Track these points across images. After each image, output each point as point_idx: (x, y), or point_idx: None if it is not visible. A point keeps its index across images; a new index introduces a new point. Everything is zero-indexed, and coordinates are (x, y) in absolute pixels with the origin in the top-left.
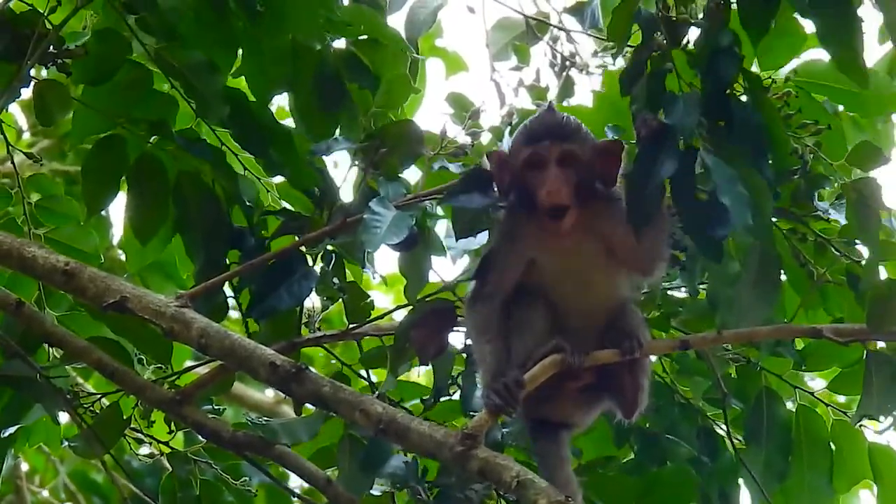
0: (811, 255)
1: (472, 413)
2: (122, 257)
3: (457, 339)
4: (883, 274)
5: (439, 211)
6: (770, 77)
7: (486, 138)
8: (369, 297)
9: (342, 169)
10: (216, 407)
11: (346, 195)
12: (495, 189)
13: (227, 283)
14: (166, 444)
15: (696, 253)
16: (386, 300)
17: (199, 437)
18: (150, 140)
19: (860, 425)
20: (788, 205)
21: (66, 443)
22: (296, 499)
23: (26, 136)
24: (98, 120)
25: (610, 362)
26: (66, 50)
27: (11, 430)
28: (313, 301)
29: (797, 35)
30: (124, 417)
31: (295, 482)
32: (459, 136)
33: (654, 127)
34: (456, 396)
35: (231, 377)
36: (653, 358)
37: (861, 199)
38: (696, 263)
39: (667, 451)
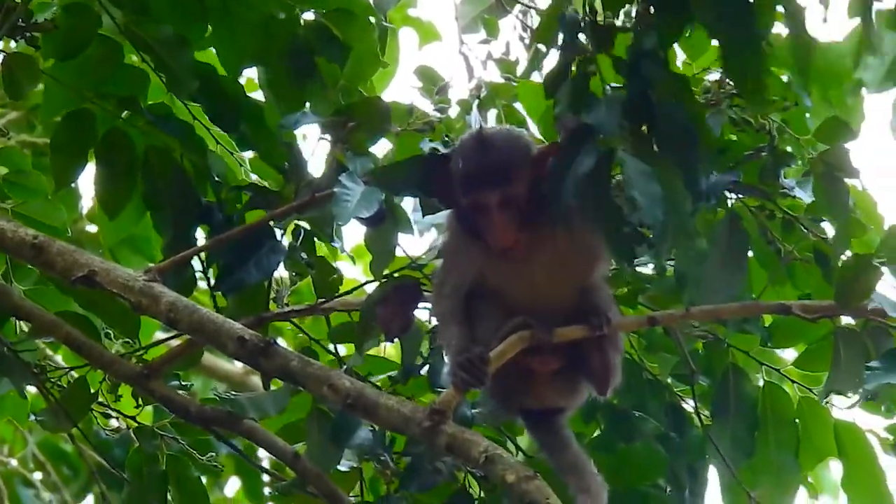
0: (778, 232)
1: (440, 389)
2: (91, 230)
3: (423, 315)
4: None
5: None
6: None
7: (454, 112)
8: (338, 271)
9: (310, 142)
10: (184, 383)
11: (315, 170)
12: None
13: (195, 258)
14: (133, 418)
15: (664, 230)
16: (355, 273)
17: (167, 412)
18: (120, 115)
19: (826, 402)
20: (756, 181)
21: (34, 416)
22: (264, 473)
23: None
24: (67, 94)
25: (579, 339)
26: (34, 23)
27: None
28: (282, 276)
29: None
30: (92, 392)
31: (263, 456)
32: (428, 109)
33: (572, 127)
34: (424, 372)
35: (199, 351)
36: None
37: (828, 171)
38: (663, 240)
39: (635, 427)
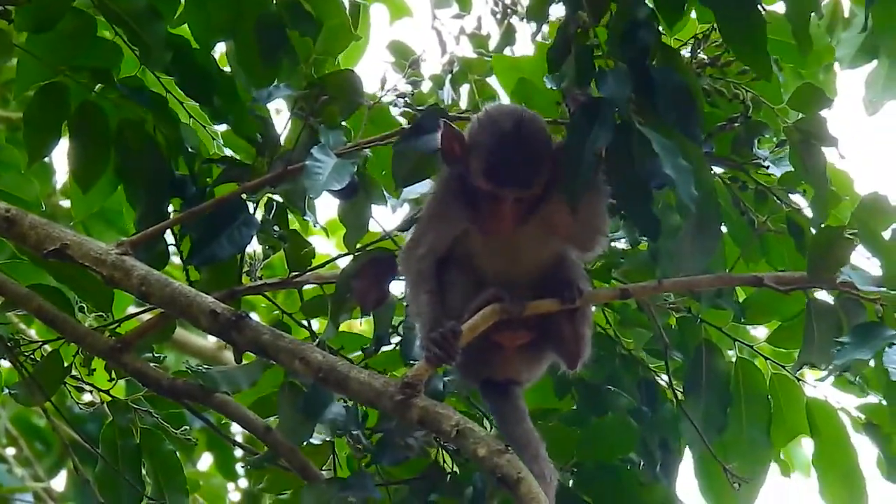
0: (752, 203)
1: (412, 362)
2: (65, 205)
3: (398, 288)
4: None
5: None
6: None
7: (426, 87)
8: (310, 245)
9: (283, 116)
10: (156, 355)
11: (287, 143)
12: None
13: (168, 231)
14: (107, 392)
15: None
16: (328, 247)
17: (140, 386)
18: (93, 88)
19: (799, 380)
20: (728, 153)
21: (7, 390)
22: (236, 447)
23: None
24: (41, 68)
25: (550, 312)
26: None
27: None
28: (255, 249)
29: None
30: (65, 365)
31: (236, 431)
32: (400, 84)
33: (584, 101)
34: (396, 346)
35: (172, 325)
36: (594, 309)
37: (805, 139)
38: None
39: (608, 401)
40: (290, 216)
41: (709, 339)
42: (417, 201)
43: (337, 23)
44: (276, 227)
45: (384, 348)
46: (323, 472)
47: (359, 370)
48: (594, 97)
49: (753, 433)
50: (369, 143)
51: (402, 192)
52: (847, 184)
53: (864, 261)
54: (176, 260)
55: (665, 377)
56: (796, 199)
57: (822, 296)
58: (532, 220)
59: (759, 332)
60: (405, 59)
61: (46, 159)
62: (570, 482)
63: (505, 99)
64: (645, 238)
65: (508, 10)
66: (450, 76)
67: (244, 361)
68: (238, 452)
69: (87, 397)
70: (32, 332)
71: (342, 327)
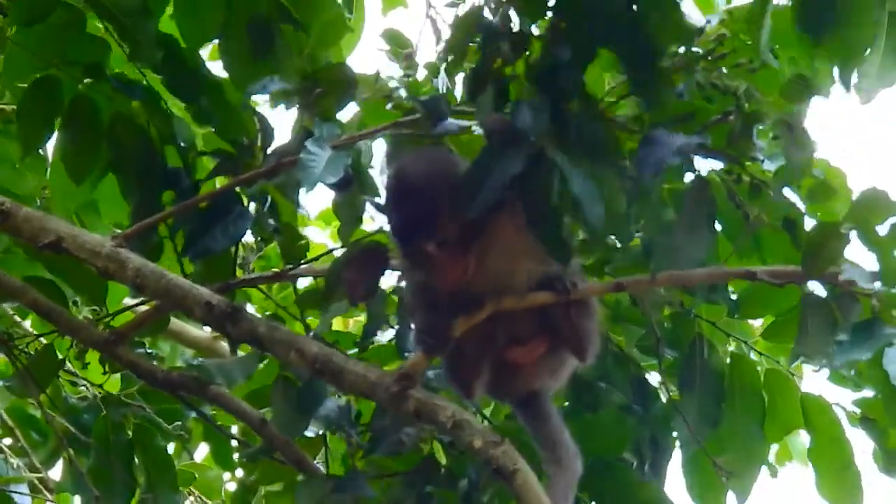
0: (746, 197)
1: (407, 355)
2: None
3: (388, 280)
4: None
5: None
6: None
7: (421, 75)
8: (305, 237)
9: (277, 110)
10: (150, 350)
11: (281, 137)
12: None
13: (161, 224)
14: (100, 386)
15: (631, 199)
16: (323, 239)
17: (135, 380)
18: (84, 81)
19: (793, 375)
20: (723, 146)
21: (2, 382)
22: (231, 440)
23: None
24: (32, 61)
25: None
26: None
27: None
28: (249, 241)
29: None
30: (59, 358)
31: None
32: (395, 73)
33: (498, 129)
34: (391, 339)
35: (166, 317)
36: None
37: (793, 126)
38: (630, 209)
39: (600, 398)
40: (284, 209)
41: (702, 334)
42: None
43: (331, 15)
44: (270, 220)
45: (380, 342)
46: (317, 465)
47: (354, 362)
48: (508, 124)
49: (748, 428)
50: (363, 136)
51: None
52: (840, 180)
53: (859, 256)
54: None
55: (657, 375)
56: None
57: (817, 290)
58: (498, 243)
59: (753, 327)
60: (400, 47)
61: (41, 153)
62: None
63: None
64: (639, 234)
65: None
66: (445, 65)
67: (240, 353)
68: (235, 443)
69: (81, 390)
70: (27, 325)
71: (336, 326)
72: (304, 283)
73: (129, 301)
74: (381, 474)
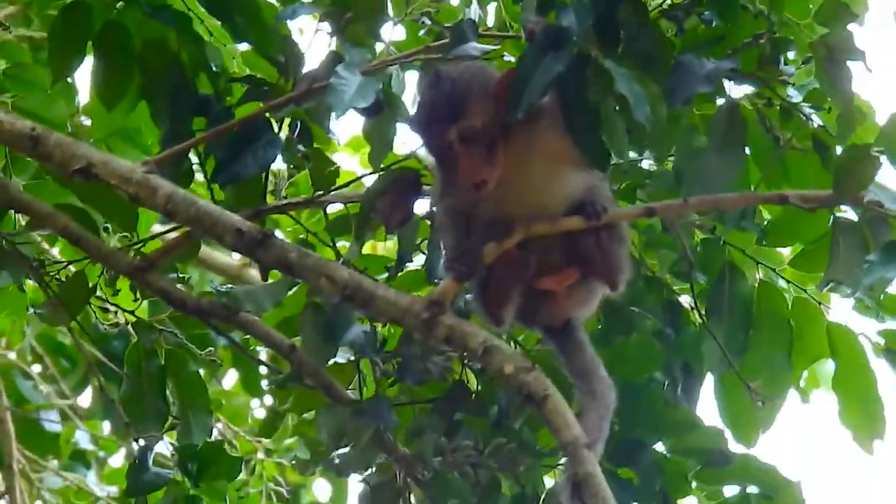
0: (777, 120)
1: (437, 281)
2: (89, 123)
3: (422, 207)
4: None
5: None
6: None
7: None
8: (335, 164)
9: (307, 35)
10: (181, 276)
11: (311, 63)
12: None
13: (192, 150)
14: (132, 312)
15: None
16: (353, 165)
17: (164, 307)
18: (116, 6)
19: (819, 302)
20: (754, 69)
21: (33, 310)
22: (260, 366)
23: None
24: None
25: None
26: None
27: None
28: (279, 168)
29: None
30: (90, 285)
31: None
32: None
33: (542, 28)
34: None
35: (197, 244)
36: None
37: (830, 55)
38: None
39: (632, 322)
40: (315, 134)
41: (732, 262)
42: None
43: None
44: (300, 146)
45: (409, 268)
46: (349, 392)
47: (385, 288)
48: (552, 25)
49: (774, 356)
50: (394, 61)
51: None
52: (869, 112)
53: (890, 179)
54: (200, 178)
55: (689, 299)
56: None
57: (848, 214)
58: (531, 157)
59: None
60: None
61: (70, 80)
62: None
63: None
64: (670, 158)
65: None
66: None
67: (269, 280)
68: (263, 370)
69: (111, 317)
70: (56, 253)
71: (366, 250)
72: (333, 209)
73: (158, 228)
74: (412, 401)
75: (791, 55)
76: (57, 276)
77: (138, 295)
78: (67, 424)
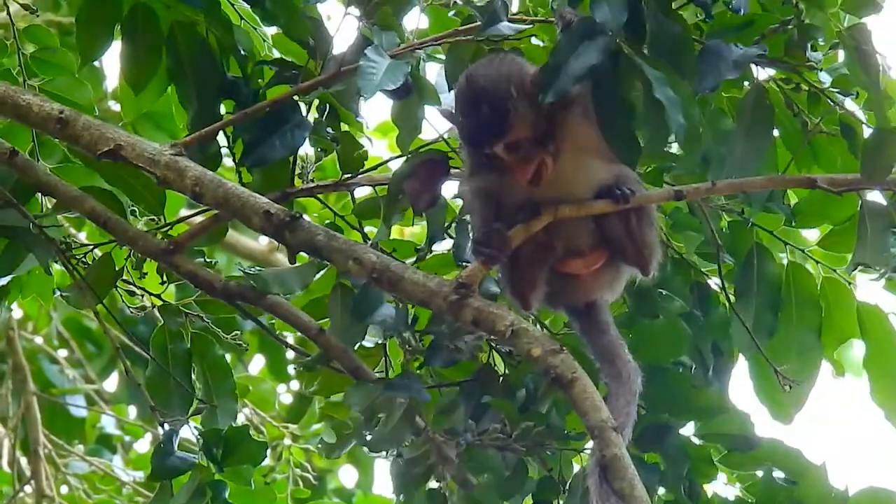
0: (804, 105)
1: (464, 263)
2: (116, 108)
3: (450, 189)
4: None
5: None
6: None
7: None
8: (363, 147)
9: (335, 21)
10: (208, 259)
11: (340, 47)
12: None
13: (221, 133)
14: (158, 296)
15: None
16: (381, 148)
17: (191, 291)
18: None
19: (850, 283)
20: (781, 54)
21: (59, 293)
22: (288, 349)
23: None
24: None
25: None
26: None
27: (4, 280)
28: (307, 151)
29: None
30: (116, 269)
31: (287, 334)
32: None
33: (574, 20)
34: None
35: (224, 227)
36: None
37: (857, 45)
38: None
39: (659, 305)
40: (343, 118)
41: (760, 243)
42: None
43: None
44: (328, 129)
45: (437, 251)
46: (376, 374)
47: (413, 271)
48: (585, 17)
49: (804, 337)
50: (423, 44)
51: None
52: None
53: None
54: (228, 162)
55: (717, 281)
56: (849, 102)
57: (875, 197)
58: (562, 149)
59: (811, 236)
60: None
61: (97, 64)
62: None
63: None
64: None
65: None
66: None
67: (297, 263)
68: (290, 355)
69: (138, 301)
70: (82, 236)
71: (393, 234)
72: (361, 193)
73: (186, 211)
74: (439, 384)
75: (819, 38)
76: (83, 260)
77: (165, 278)
78: (93, 409)
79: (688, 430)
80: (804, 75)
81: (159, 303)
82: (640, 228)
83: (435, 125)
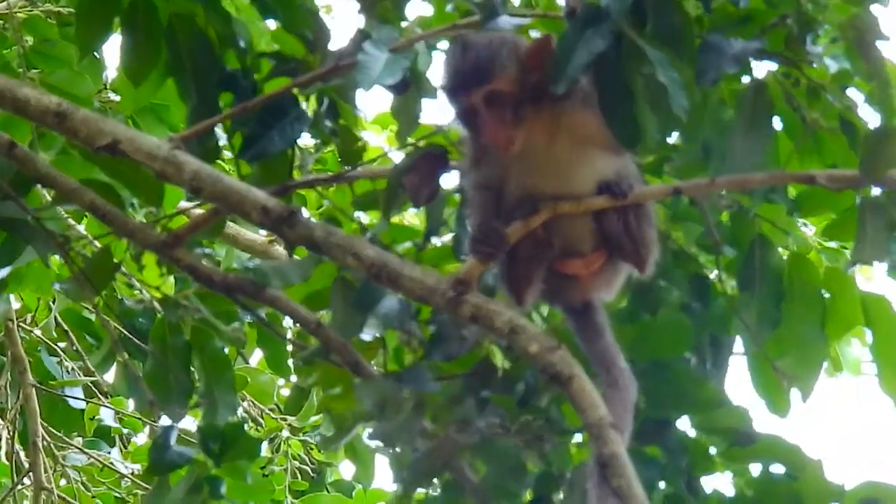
0: (804, 100)
1: (464, 258)
2: (116, 99)
3: (449, 182)
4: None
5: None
6: None
7: None
8: (362, 139)
9: (336, 13)
10: (207, 251)
11: (339, 41)
12: None
13: (219, 126)
14: (157, 288)
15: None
16: (379, 142)
17: (190, 283)
18: None
19: (852, 272)
20: (781, 49)
21: (58, 285)
22: (286, 343)
23: None
24: None
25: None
26: None
27: (3, 272)
28: (306, 144)
29: None
30: (115, 261)
31: (287, 326)
32: None
33: (583, 6)
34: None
35: (223, 220)
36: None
37: (860, 36)
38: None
39: (659, 298)
40: (342, 111)
41: (762, 234)
42: None
43: None
44: (327, 123)
45: (437, 243)
46: (373, 368)
47: (412, 267)
48: (589, 4)
49: (807, 328)
50: (422, 38)
51: None
52: None
53: None
54: (227, 155)
55: (716, 272)
56: (851, 92)
57: (875, 193)
58: (559, 135)
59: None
60: None
61: (97, 56)
62: None
63: None
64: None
65: None
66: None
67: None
68: (290, 348)
69: (137, 294)
70: (81, 228)
71: (393, 220)
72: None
73: (185, 204)
74: (438, 377)
75: (820, 31)
76: (82, 252)
77: (164, 271)
78: (92, 401)
79: (684, 423)
80: (804, 70)
81: (158, 295)
82: (638, 226)
83: (434, 118)
